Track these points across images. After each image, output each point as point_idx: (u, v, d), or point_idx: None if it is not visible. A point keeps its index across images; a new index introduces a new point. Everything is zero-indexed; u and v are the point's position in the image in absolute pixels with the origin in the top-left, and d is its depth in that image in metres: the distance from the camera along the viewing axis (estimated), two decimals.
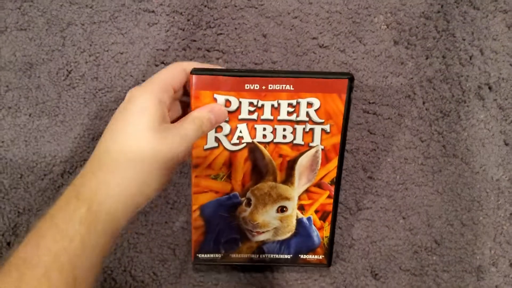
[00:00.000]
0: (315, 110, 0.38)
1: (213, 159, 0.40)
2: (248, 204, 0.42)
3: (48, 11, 0.46)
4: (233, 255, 0.44)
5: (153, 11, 0.47)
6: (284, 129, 0.39)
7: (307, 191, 0.42)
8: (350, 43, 0.49)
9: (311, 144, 0.40)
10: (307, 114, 0.38)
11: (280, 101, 0.38)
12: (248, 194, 0.41)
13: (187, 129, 0.33)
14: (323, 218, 0.43)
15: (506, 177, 0.50)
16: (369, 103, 0.49)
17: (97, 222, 0.28)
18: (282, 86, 0.37)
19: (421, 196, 0.49)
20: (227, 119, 0.38)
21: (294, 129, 0.39)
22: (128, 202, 0.30)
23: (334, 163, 0.41)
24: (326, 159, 0.41)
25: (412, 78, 0.49)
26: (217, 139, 0.39)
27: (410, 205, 0.49)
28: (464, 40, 0.50)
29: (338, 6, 0.49)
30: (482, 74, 0.50)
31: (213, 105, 0.37)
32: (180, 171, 0.47)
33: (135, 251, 0.46)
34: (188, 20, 0.48)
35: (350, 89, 0.37)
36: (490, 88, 0.50)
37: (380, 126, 0.49)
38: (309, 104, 0.38)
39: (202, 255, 0.44)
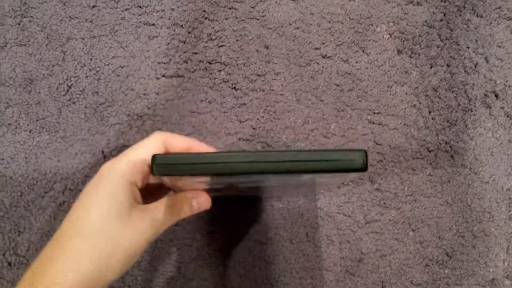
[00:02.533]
0: None
1: None
2: None
3: (48, 26, 0.46)
4: None
5: (153, 24, 0.47)
6: None
7: None
8: (353, 53, 0.49)
9: None
10: None
11: None
12: None
13: (160, 213, 0.32)
14: None
15: None
16: (374, 113, 0.48)
17: None
18: None
19: (430, 208, 0.48)
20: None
21: None
22: None
23: None
24: None
25: (417, 87, 0.49)
26: None
27: (419, 217, 0.47)
28: (468, 48, 0.50)
29: (340, 16, 0.49)
30: (488, 82, 0.49)
31: (198, 192, 0.34)
32: None
33: (138, 269, 0.45)
34: (189, 32, 0.47)
35: None
36: (496, 96, 0.49)
37: (386, 136, 0.48)
38: None
39: None
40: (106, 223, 0.29)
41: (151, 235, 0.31)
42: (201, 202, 0.34)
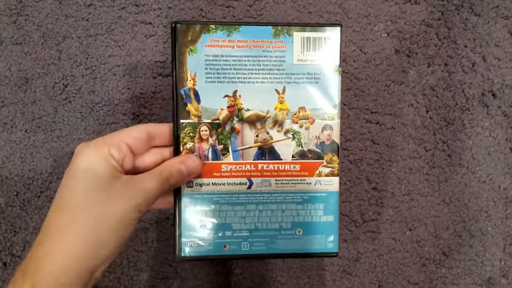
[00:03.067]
0: None
1: None
2: None
3: (44, 24, 0.46)
4: None
5: (150, 23, 0.47)
6: None
7: None
8: (351, 52, 0.49)
9: None
10: None
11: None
12: None
13: (147, 181, 0.31)
14: None
15: None
16: (372, 112, 0.48)
17: None
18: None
19: (427, 207, 0.48)
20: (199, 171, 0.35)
21: None
22: (81, 268, 0.28)
23: None
24: None
25: (414, 87, 0.49)
26: None
27: (416, 216, 0.47)
28: (466, 47, 0.50)
29: (337, 15, 0.49)
30: (485, 81, 0.49)
31: (187, 156, 0.34)
32: None
33: (135, 270, 0.45)
34: None
35: None
36: (494, 95, 0.49)
37: (383, 135, 0.48)
38: None
39: None
40: (86, 196, 0.29)
41: (140, 204, 0.30)
42: (190, 165, 0.34)
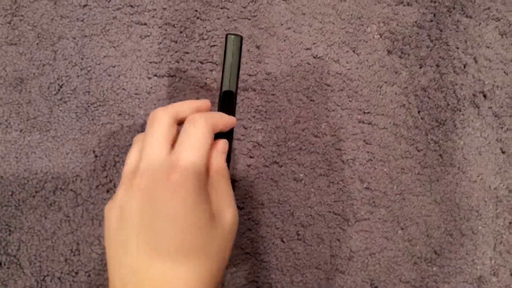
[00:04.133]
0: None
1: None
2: None
3: (39, 25, 0.46)
4: None
5: (145, 24, 0.47)
6: None
7: None
8: (344, 53, 0.49)
9: None
10: None
11: None
12: None
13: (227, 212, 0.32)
14: None
15: (503, 185, 0.49)
16: (364, 113, 0.49)
17: None
18: None
19: (419, 206, 0.48)
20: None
21: None
22: None
23: None
24: None
25: (406, 87, 0.49)
26: None
27: (408, 216, 0.48)
28: (457, 48, 0.50)
29: (331, 16, 0.49)
30: (476, 82, 0.50)
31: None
32: None
33: None
34: (181, 32, 0.48)
35: None
36: (485, 96, 0.50)
37: (375, 136, 0.48)
38: None
39: None
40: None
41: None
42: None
